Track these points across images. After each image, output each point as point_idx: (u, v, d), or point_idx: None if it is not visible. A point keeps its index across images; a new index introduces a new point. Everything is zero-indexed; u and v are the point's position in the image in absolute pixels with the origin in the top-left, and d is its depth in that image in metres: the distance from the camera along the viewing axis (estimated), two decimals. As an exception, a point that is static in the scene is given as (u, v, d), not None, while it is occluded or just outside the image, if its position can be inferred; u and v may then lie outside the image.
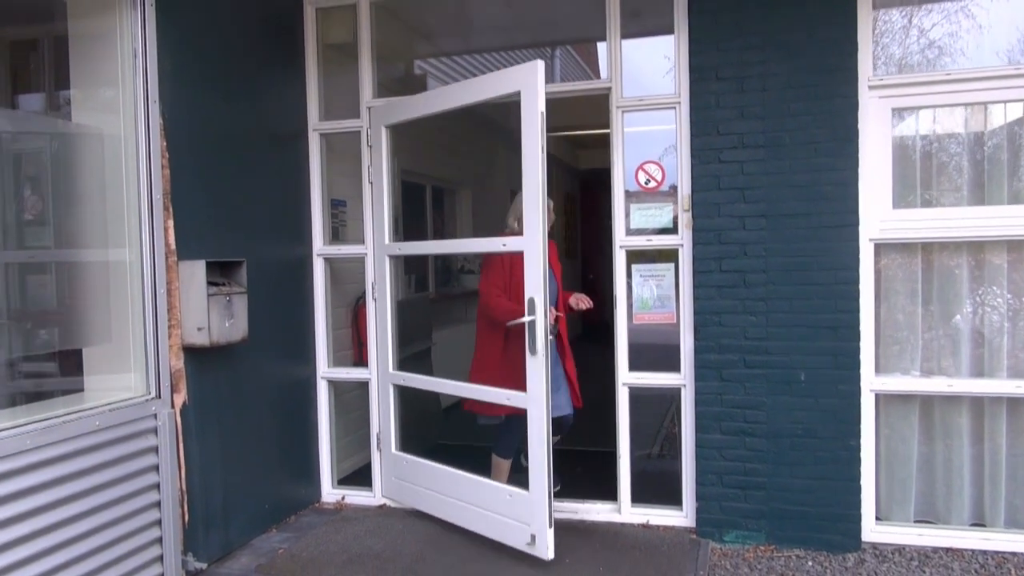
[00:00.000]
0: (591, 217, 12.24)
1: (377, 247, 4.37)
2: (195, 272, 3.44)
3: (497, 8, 4.99)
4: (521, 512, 3.62)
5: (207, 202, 3.65)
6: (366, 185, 4.40)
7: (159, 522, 3.32)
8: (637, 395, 4.08)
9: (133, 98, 3.30)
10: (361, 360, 4.73)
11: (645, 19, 4.11)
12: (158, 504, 3.31)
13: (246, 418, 3.91)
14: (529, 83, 3.42)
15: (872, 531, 3.76)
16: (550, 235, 4.05)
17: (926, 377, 3.78)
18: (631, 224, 4.04)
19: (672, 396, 4.09)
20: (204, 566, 3.55)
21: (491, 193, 8.10)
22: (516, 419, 3.84)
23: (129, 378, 3.34)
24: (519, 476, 3.92)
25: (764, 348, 3.76)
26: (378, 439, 4.47)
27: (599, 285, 10.80)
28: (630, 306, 4.05)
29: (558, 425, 3.99)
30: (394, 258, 4.38)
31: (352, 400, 4.86)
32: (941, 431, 3.81)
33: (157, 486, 3.31)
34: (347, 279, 4.88)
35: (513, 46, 6.26)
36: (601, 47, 4.30)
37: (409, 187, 6.38)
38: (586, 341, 7.60)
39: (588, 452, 4.93)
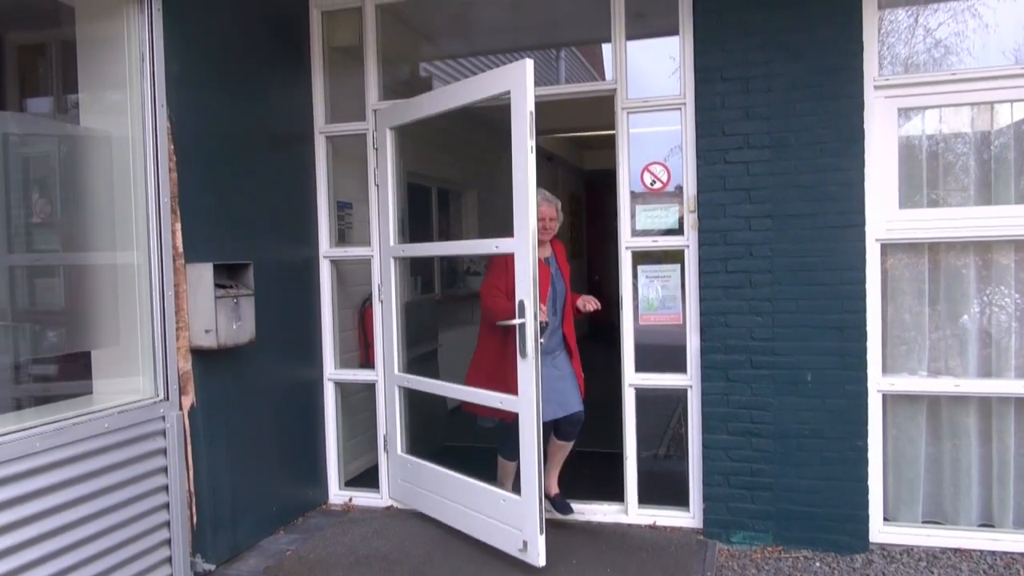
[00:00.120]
0: (596, 218, 12.24)
1: (383, 249, 4.38)
2: (203, 275, 3.45)
3: (502, 10, 4.99)
4: (514, 517, 3.58)
5: (214, 205, 3.66)
6: (372, 187, 4.41)
7: (168, 524, 3.33)
8: (643, 396, 4.08)
9: (141, 101, 3.32)
10: (368, 362, 4.74)
11: (650, 20, 4.11)
12: (167, 506, 3.33)
13: (253, 420, 3.93)
14: (518, 82, 3.39)
15: (880, 532, 3.75)
16: (558, 236, 4.07)
17: (933, 377, 3.77)
18: (637, 225, 4.04)
19: (678, 397, 4.09)
20: (212, 567, 3.56)
21: (496, 195, 8.11)
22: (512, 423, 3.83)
23: (137, 380, 3.35)
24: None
25: (770, 349, 3.75)
26: (385, 441, 4.48)
27: (604, 286, 10.80)
28: (636, 307, 4.06)
29: (570, 425, 3.95)
30: (399, 260, 4.38)
31: (359, 402, 4.87)
32: (949, 431, 3.80)
33: (166, 488, 3.32)
34: (353, 281, 4.90)
35: (518, 48, 6.27)
36: (606, 48, 4.32)
37: (415, 189, 6.39)
38: (592, 342, 7.58)
39: (594, 453, 4.92)
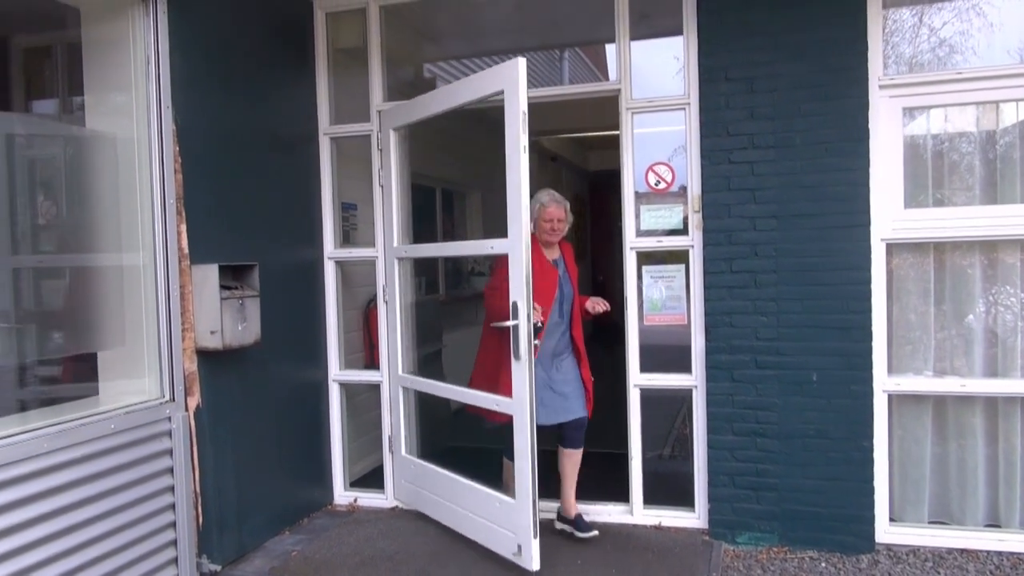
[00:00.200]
0: (600, 219, 12.22)
1: (388, 250, 4.38)
2: (208, 276, 3.46)
3: (506, 11, 4.99)
4: (508, 521, 3.55)
5: (219, 206, 3.67)
6: (376, 188, 4.42)
7: (174, 524, 3.34)
8: (648, 396, 4.08)
9: (146, 103, 3.33)
10: (372, 362, 4.75)
11: (654, 20, 4.11)
12: (172, 507, 3.33)
13: (259, 421, 3.94)
14: (511, 82, 3.36)
15: (886, 532, 3.74)
16: (566, 238, 4.03)
17: (939, 377, 3.76)
18: (641, 225, 4.04)
19: (683, 397, 4.08)
20: (218, 568, 3.57)
21: (499, 195, 8.11)
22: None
23: (143, 382, 3.36)
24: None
25: (776, 349, 3.75)
26: (390, 441, 4.48)
27: (608, 286, 10.79)
28: (641, 307, 4.06)
29: (573, 431, 3.89)
30: (402, 261, 4.39)
31: (364, 402, 4.87)
32: (955, 431, 3.79)
33: (171, 489, 3.33)
34: (358, 282, 4.91)
35: (522, 49, 6.26)
36: (610, 49, 4.31)
37: (419, 190, 6.39)
38: (597, 343, 7.57)
39: (599, 454, 4.91)
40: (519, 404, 3.42)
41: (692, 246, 3.93)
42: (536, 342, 3.43)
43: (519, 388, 3.41)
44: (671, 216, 4.03)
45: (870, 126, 3.63)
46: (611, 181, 4.95)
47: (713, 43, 3.80)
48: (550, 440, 3.88)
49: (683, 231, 3.97)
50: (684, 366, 4.00)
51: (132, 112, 3.34)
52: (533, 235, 3.84)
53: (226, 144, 3.74)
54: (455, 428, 5.41)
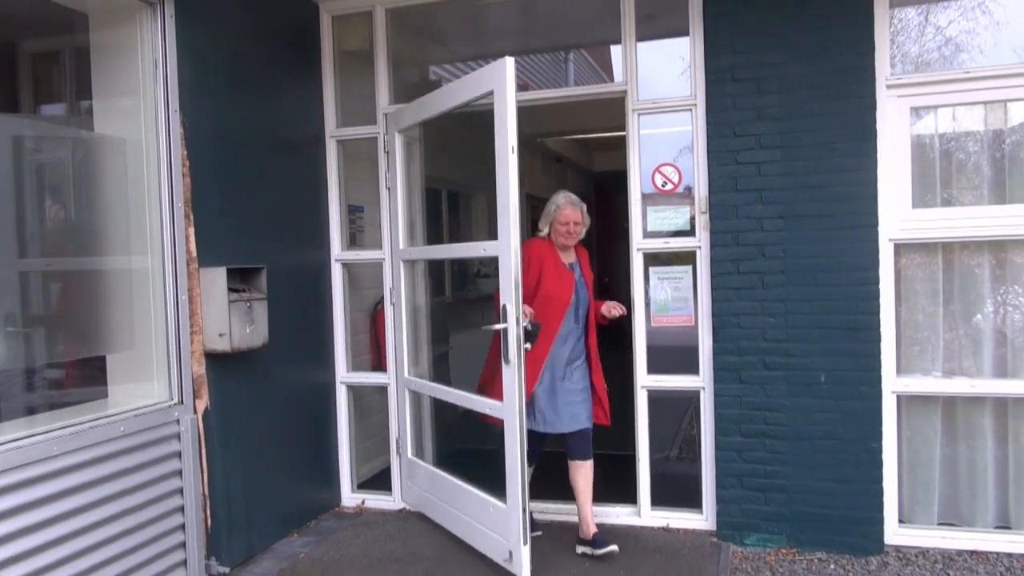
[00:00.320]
0: (606, 220, 12.20)
1: (394, 252, 4.39)
2: (216, 279, 3.47)
3: (512, 13, 5.00)
4: (500, 526, 3.51)
5: (227, 209, 3.68)
6: (383, 191, 4.43)
7: (182, 527, 3.35)
8: (655, 398, 4.07)
9: (154, 107, 3.35)
10: (380, 364, 4.75)
11: (660, 21, 4.11)
12: (181, 509, 3.34)
13: (267, 423, 3.94)
14: (500, 82, 3.32)
15: (895, 534, 3.73)
16: (582, 243, 3.97)
17: (948, 378, 3.75)
18: (648, 227, 4.04)
19: (689, 398, 4.07)
20: (227, 570, 3.58)
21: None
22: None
23: (152, 384, 3.37)
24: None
25: (784, 350, 3.74)
26: (397, 443, 4.48)
27: (613, 288, 10.77)
28: (648, 308, 4.05)
29: (577, 441, 3.77)
30: (413, 263, 4.39)
31: (371, 404, 4.88)
32: (964, 432, 3.78)
33: (180, 491, 3.34)
34: (364, 284, 4.91)
35: (528, 50, 6.27)
36: (615, 50, 4.31)
37: (425, 192, 6.39)
38: (603, 344, 7.57)
39: (607, 455, 4.90)
40: (509, 408, 3.37)
41: (699, 247, 3.92)
42: (526, 346, 3.36)
43: (510, 392, 3.36)
44: (677, 217, 4.02)
45: (877, 126, 3.62)
46: (616, 182, 4.94)
47: (719, 44, 3.80)
48: (559, 442, 3.86)
49: (690, 232, 3.96)
50: (691, 367, 3.99)
51: (140, 116, 3.35)
52: (549, 238, 3.82)
53: (233, 147, 3.75)
54: (464, 430, 5.41)
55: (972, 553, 3.62)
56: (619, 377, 4.45)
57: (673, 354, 4.18)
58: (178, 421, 3.34)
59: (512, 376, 3.33)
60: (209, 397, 3.52)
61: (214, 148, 3.60)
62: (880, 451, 3.64)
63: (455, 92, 3.79)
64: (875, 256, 3.63)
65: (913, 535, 3.73)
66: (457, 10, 4.75)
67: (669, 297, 4.02)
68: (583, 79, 7.46)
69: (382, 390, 4.58)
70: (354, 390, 4.67)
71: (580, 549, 3.75)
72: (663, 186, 4.02)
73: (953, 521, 3.79)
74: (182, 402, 3.38)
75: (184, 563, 3.36)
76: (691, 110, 3.91)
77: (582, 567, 3.61)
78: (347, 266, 4.62)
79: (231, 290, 3.51)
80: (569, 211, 3.77)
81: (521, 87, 6.35)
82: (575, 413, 3.76)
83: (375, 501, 4.58)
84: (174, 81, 3.37)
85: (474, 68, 6.46)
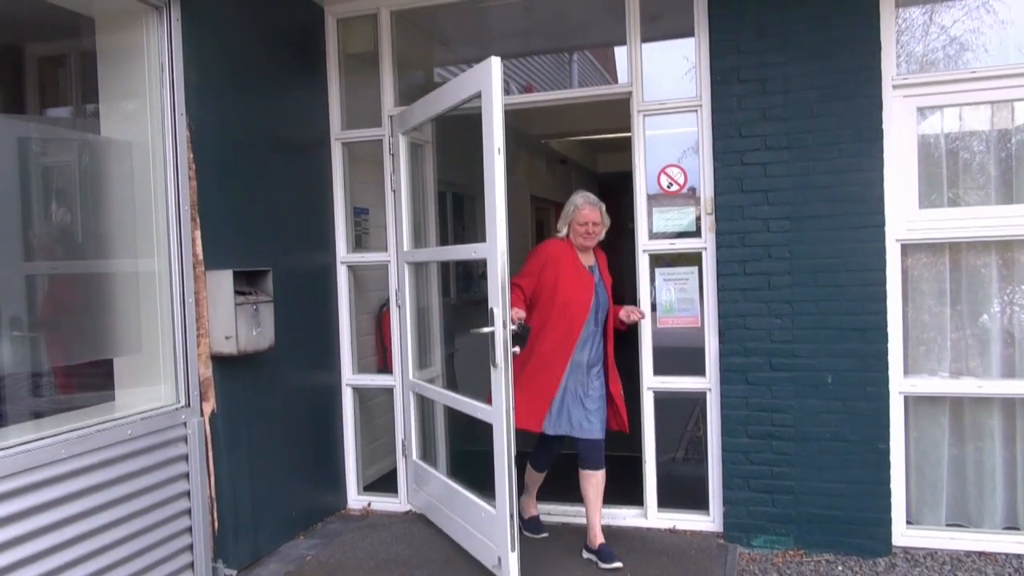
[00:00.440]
0: (611, 221, 12.20)
1: (400, 254, 4.39)
2: (222, 282, 3.48)
3: (516, 15, 5.00)
4: (491, 531, 3.47)
5: (233, 212, 3.69)
6: (388, 193, 4.43)
7: (189, 529, 3.35)
8: (661, 399, 4.07)
9: (160, 110, 3.35)
10: (385, 366, 4.75)
11: (665, 22, 4.11)
12: (188, 512, 3.35)
13: (273, 426, 3.95)
14: (486, 82, 3.26)
15: (903, 535, 3.72)
16: (600, 245, 3.92)
17: (955, 378, 3.74)
18: (654, 228, 4.04)
19: (695, 399, 4.06)
20: (234, 573, 3.58)
21: (509, 199, 8.10)
22: (544, 435, 3.77)
23: (159, 387, 3.37)
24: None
25: (790, 351, 3.73)
26: (403, 446, 4.48)
27: (618, 289, 10.76)
28: (654, 310, 4.04)
29: (587, 450, 3.73)
30: (412, 265, 4.39)
31: (377, 406, 4.88)
32: (972, 433, 3.77)
33: (187, 494, 3.34)
34: (369, 286, 4.92)
35: (532, 52, 6.28)
36: (619, 51, 4.30)
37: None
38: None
39: (613, 457, 4.90)
40: (497, 412, 3.32)
41: (705, 248, 3.91)
42: (514, 350, 3.29)
43: (498, 396, 3.30)
44: (683, 218, 4.02)
45: (884, 126, 3.61)
46: (621, 183, 4.94)
47: (725, 44, 3.79)
48: (568, 443, 3.84)
49: (696, 233, 3.96)
50: (698, 369, 3.98)
51: (146, 119, 3.36)
52: (568, 239, 3.80)
53: (239, 150, 3.76)
54: (473, 432, 5.40)
55: (980, 554, 3.61)
56: (625, 378, 4.44)
57: (679, 355, 4.18)
58: (185, 424, 3.35)
59: (500, 380, 3.27)
60: (216, 400, 3.52)
61: (220, 151, 3.61)
62: (887, 452, 3.63)
63: (446, 94, 3.78)
64: (882, 256, 3.62)
65: (921, 536, 3.72)
66: (462, 12, 4.76)
67: (675, 298, 4.01)
68: (587, 80, 7.46)
69: (388, 392, 4.58)
70: (360, 392, 4.68)
71: (586, 555, 3.74)
72: (668, 187, 4.02)
73: (961, 522, 3.78)
74: (189, 405, 3.38)
75: (191, 565, 3.36)
76: (696, 111, 3.91)
77: (587, 571, 3.60)
78: (353, 268, 4.63)
79: (237, 293, 3.51)
80: (587, 211, 3.72)
81: (525, 89, 6.36)
82: (590, 422, 3.71)
83: (381, 503, 4.58)
84: (180, 84, 3.38)
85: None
